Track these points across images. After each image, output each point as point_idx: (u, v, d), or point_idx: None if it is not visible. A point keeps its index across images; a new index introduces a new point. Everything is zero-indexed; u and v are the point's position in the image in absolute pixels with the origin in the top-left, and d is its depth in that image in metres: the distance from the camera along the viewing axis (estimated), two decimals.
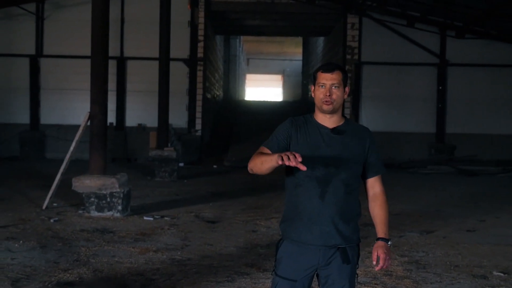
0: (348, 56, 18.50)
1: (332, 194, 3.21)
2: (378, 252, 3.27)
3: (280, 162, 2.91)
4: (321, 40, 25.66)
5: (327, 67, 3.29)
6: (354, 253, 3.30)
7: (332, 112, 3.25)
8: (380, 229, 3.34)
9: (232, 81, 34.54)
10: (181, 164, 16.43)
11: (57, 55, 18.28)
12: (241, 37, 35.88)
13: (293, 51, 39.03)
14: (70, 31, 17.79)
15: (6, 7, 18.26)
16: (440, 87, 18.55)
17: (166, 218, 8.95)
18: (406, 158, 18.10)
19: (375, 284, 5.76)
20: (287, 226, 3.29)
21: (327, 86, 3.23)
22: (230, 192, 11.87)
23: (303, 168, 2.91)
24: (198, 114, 18.49)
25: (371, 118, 18.46)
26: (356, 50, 18.50)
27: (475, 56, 18.44)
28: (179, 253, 6.85)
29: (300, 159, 2.89)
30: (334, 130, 3.28)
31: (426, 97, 18.60)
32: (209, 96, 20.60)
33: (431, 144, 18.59)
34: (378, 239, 3.32)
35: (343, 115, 3.35)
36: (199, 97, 18.43)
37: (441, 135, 18.62)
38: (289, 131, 3.27)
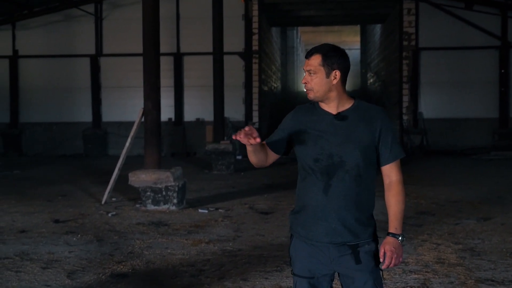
0: (405, 43, 18.18)
1: (336, 187, 2.92)
2: (385, 248, 2.94)
3: (237, 138, 2.77)
4: (378, 28, 25.31)
5: (307, 53, 3.01)
6: (369, 250, 2.97)
7: (316, 100, 2.99)
8: (391, 223, 3.00)
9: (290, 73, 34.48)
10: (239, 157, 16.57)
11: (115, 53, 18.74)
12: (298, 28, 35.73)
13: (351, 40, 38.66)
14: (127, 30, 18.18)
15: (66, 9, 18.81)
16: (503, 70, 18.00)
17: (220, 210, 9.05)
18: (469, 144, 17.68)
19: (425, 272, 5.67)
20: (294, 219, 3.06)
21: (306, 73, 2.99)
22: (285, 184, 11.89)
23: (245, 141, 2.74)
24: (255, 107, 18.57)
25: (431, 105, 18.12)
26: (413, 36, 18.16)
27: None
28: (230, 244, 6.93)
29: (253, 134, 2.74)
30: (337, 116, 2.98)
31: (488, 81, 18.09)
32: (265, 88, 20.65)
33: (494, 130, 18.07)
34: (388, 233, 2.99)
35: (353, 97, 3.05)
36: (255, 89, 18.51)
37: (504, 120, 18.08)
38: (290, 122, 3.06)
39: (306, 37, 40.30)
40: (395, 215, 3.00)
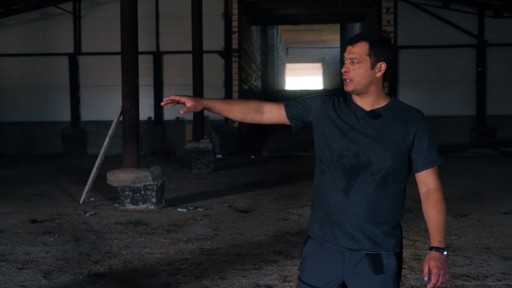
0: None
1: (359, 189, 2.68)
2: (430, 265, 2.61)
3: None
4: (357, 26, 25.45)
5: (351, 38, 2.75)
6: (390, 263, 2.70)
7: (355, 93, 2.74)
8: (434, 236, 2.69)
9: (270, 71, 34.49)
10: (219, 156, 16.58)
11: (94, 52, 18.63)
12: (278, 27, 35.77)
13: (332, 38, 38.75)
14: (106, 28, 18.05)
15: (43, 8, 18.66)
16: (480, 69, 18.19)
17: (199, 209, 9.05)
18: (447, 142, 17.81)
19: (402, 268, 5.71)
20: (311, 217, 2.87)
21: (347, 62, 2.72)
22: (265, 182, 11.91)
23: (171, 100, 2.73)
24: None
25: (409, 103, 18.00)
26: (392, 35, 18.26)
27: None
28: (209, 242, 6.93)
29: (181, 100, 2.73)
30: (371, 113, 2.72)
31: (466, 79, 18.28)
32: (246, 87, 20.66)
33: (472, 127, 18.27)
34: (431, 248, 2.69)
35: (389, 94, 2.80)
36: (235, 88, 18.50)
37: (481, 117, 18.28)
38: (320, 106, 2.82)
39: (286, 35, 40.34)
40: (437, 227, 2.71)
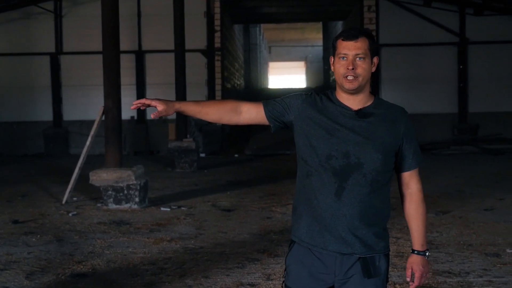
0: None
1: (351, 191, 2.59)
2: (413, 268, 2.69)
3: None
4: (340, 25, 25.53)
5: (350, 33, 2.61)
6: (381, 265, 2.66)
7: (357, 91, 2.62)
8: (416, 239, 2.72)
9: (253, 70, 34.54)
10: (203, 155, 16.54)
11: (76, 51, 18.50)
12: (261, 25, 35.81)
13: (314, 37, 38.89)
14: (88, 28, 17.93)
15: (24, 7, 18.50)
16: (461, 66, 18.33)
17: (183, 208, 9.04)
18: (429, 139, 17.94)
19: None
20: (296, 221, 2.74)
21: (350, 58, 2.58)
22: (249, 181, 11.92)
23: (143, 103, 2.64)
24: None
25: (392, 101, 18.19)
26: (373, 33, 18.33)
27: (495, 33, 18.15)
28: (192, 242, 6.92)
29: (151, 103, 2.64)
30: (359, 112, 2.63)
31: (447, 77, 18.40)
32: (229, 86, 20.64)
33: (454, 125, 18.39)
34: (413, 251, 2.72)
35: (372, 93, 2.71)
36: (218, 87, 18.46)
37: (463, 115, 18.41)
38: (301, 105, 2.70)
39: (269, 34, 40.40)
40: (419, 229, 2.73)
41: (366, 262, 2.62)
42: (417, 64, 18.43)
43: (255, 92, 30.14)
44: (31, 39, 18.68)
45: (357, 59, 2.58)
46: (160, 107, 2.67)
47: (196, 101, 2.79)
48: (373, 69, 2.65)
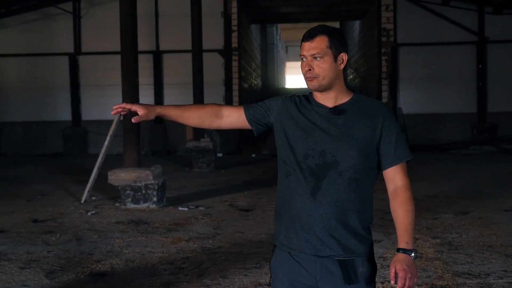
0: (384, 39, 18.26)
1: (327, 190, 2.51)
2: (396, 268, 2.45)
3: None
4: (357, 24, 25.43)
5: (306, 34, 2.60)
6: (364, 270, 2.54)
7: (320, 89, 2.59)
8: (401, 236, 2.52)
9: (270, 70, 34.52)
10: (220, 155, 16.58)
11: (94, 52, 18.61)
12: (278, 25, 35.78)
13: None
14: (106, 28, 18.04)
15: (43, 8, 18.65)
16: (480, 66, 18.16)
17: (200, 208, 9.05)
18: (448, 139, 17.83)
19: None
20: (276, 224, 2.68)
21: (308, 59, 2.57)
22: (266, 181, 11.91)
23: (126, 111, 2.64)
24: (235, 104, 18.54)
25: (410, 101, 18.25)
26: (391, 32, 18.25)
27: None
28: (210, 241, 6.94)
29: (132, 108, 2.63)
30: (334, 109, 2.58)
31: (466, 76, 18.25)
32: (246, 85, 20.65)
33: (473, 124, 18.24)
34: (398, 250, 2.52)
35: (352, 90, 2.67)
36: (235, 87, 18.48)
37: (482, 114, 18.25)
38: (280, 106, 2.69)
39: (285, 34, 40.38)
40: (405, 227, 2.53)
41: (345, 266, 2.50)
42: (436, 64, 18.30)
43: (272, 91, 30.12)
44: (50, 40, 18.83)
45: (314, 59, 2.56)
46: (140, 111, 2.65)
47: (177, 106, 2.76)
48: (341, 66, 2.58)
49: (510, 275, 5.46)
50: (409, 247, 2.49)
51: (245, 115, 2.73)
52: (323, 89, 2.60)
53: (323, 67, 2.56)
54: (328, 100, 2.61)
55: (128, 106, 2.66)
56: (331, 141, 2.54)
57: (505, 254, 6.14)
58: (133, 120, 2.64)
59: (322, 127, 2.57)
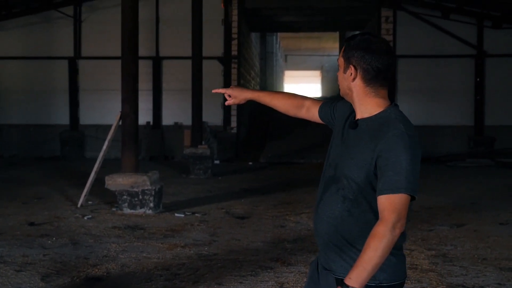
0: None
1: (325, 204, 2.47)
2: None
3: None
4: None
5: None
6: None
7: (346, 99, 2.54)
8: (350, 271, 2.28)
9: (269, 78, 34.59)
10: (217, 162, 16.59)
11: (94, 56, 18.64)
12: (278, 34, 35.88)
13: (331, 46, 38.83)
14: (107, 33, 18.09)
15: (44, 11, 18.70)
16: (478, 79, 18.23)
17: (197, 214, 9.07)
18: (445, 151, 17.86)
19: None
20: None
21: None
22: (263, 188, 11.93)
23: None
24: (233, 112, 18.58)
25: (408, 112, 18.11)
26: (391, 44, 18.32)
27: None
28: (206, 248, 6.95)
29: (225, 92, 2.91)
30: (351, 123, 2.47)
31: (464, 89, 18.31)
32: None
33: (470, 137, 18.28)
34: (341, 282, 2.30)
35: (391, 104, 2.44)
36: None
37: (480, 127, 18.31)
38: (341, 111, 2.63)
39: (285, 42, 40.44)
40: (357, 262, 2.26)
41: (342, 285, 2.27)
42: (434, 76, 18.37)
43: None
44: (50, 44, 18.85)
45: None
46: (232, 95, 2.93)
47: (267, 93, 2.98)
48: (350, 79, 2.43)
49: None
50: (351, 283, 2.23)
51: (318, 114, 2.83)
52: (349, 100, 2.54)
53: (339, 78, 2.53)
54: (358, 111, 2.48)
55: (222, 91, 2.95)
56: (340, 155, 2.46)
57: (499, 267, 6.17)
58: (226, 103, 2.97)
59: (341, 139, 2.51)
